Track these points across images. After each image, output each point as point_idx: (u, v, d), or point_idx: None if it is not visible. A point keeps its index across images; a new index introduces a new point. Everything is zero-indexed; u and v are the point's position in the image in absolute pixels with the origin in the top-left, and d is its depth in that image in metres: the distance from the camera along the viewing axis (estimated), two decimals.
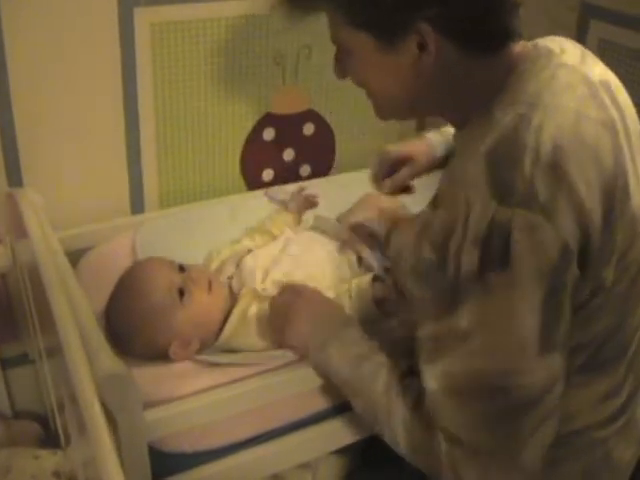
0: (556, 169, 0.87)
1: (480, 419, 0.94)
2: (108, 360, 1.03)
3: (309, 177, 1.87)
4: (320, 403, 1.30)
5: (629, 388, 1.08)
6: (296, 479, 1.43)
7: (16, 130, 1.46)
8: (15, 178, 1.49)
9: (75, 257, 1.48)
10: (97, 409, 0.97)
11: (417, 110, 1.07)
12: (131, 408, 1.05)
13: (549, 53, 0.99)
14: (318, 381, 1.23)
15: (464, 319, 0.90)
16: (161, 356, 1.28)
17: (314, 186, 1.75)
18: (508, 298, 0.88)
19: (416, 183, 1.40)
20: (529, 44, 1.01)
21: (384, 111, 1.09)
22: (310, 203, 1.63)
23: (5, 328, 1.60)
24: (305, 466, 1.42)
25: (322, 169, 1.90)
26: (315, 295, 1.26)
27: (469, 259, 0.87)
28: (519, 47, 0.99)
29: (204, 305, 1.30)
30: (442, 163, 1.34)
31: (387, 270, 1.45)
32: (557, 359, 0.92)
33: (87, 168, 1.57)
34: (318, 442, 1.33)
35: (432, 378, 0.96)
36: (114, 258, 1.50)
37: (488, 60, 0.96)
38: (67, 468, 1.27)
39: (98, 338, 1.08)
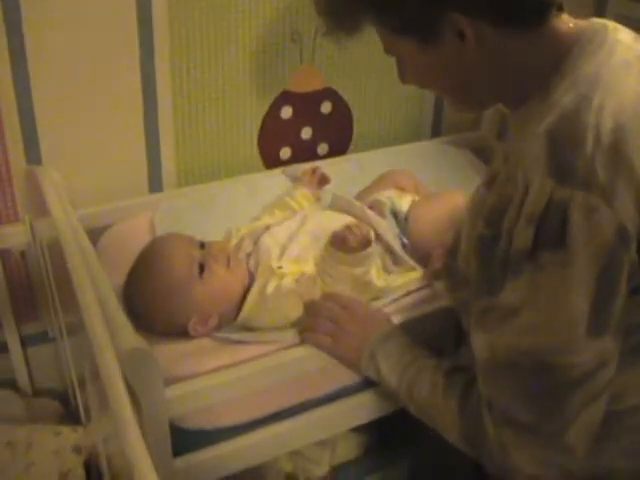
0: (617, 151, 0.88)
1: (525, 394, 0.97)
2: (130, 336, 1.03)
3: (327, 156, 1.87)
4: (339, 380, 1.29)
5: None
6: (315, 456, 1.43)
7: (34, 108, 1.45)
8: (34, 156, 1.49)
9: (94, 235, 1.48)
10: (120, 385, 0.97)
11: (480, 100, 1.08)
12: (153, 384, 1.05)
13: (605, 29, 0.99)
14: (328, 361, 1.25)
15: (514, 295, 0.93)
16: (180, 332, 1.29)
17: (332, 165, 1.77)
18: (561, 277, 0.89)
19: None
20: (583, 20, 1.01)
21: (454, 104, 1.12)
22: (323, 180, 1.63)
23: (25, 306, 1.61)
24: (323, 443, 1.42)
25: (340, 148, 1.89)
26: (359, 306, 1.28)
27: (523, 236, 0.90)
28: (569, 22, 0.99)
29: (223, 280, 1.30)
30: None
31: (404, 246, 1.46)
32: (607, 341, 0.93)
33: (105, 146, 1.57)
34: (337, 419, 1.33)
35: (483, 347, 0.99)
36: (133, 236, 1.50)
37: (532, 37, 0.96)
38: (88, 444, 1.28)
39: (119, 315, 1.09)
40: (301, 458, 1.42)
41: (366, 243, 1.29)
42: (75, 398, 1.53)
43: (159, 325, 1.28)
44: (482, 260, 0.97)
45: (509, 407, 0.98)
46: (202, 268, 1.29)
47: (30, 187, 1.42)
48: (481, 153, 1.92)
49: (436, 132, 2.02)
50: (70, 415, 1.50)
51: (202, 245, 1.34)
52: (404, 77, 1.09)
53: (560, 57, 0.97)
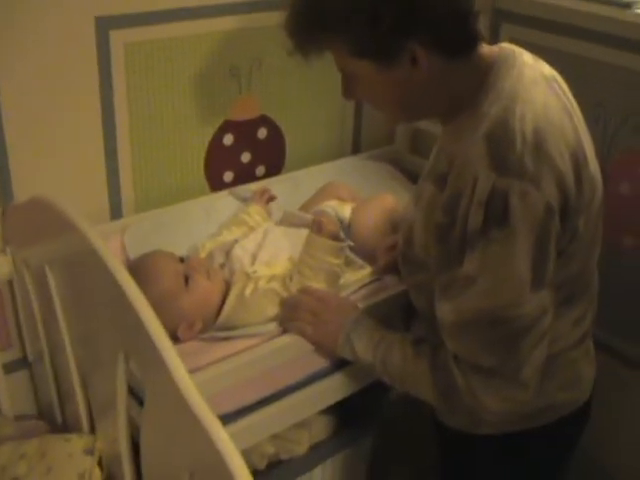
0: (538, 147, 1.12)
1: (487, 344, 1.18)
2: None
3: (264, 176, 2.04)
4: (310, 367, 1.48)
5: (590, 317, 1.36)
6: (295, 437, 1.59)
7: (7, 145, 1.57)
8: (7, 193, 1.61)
9: None
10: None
11: (419, 113, 1.30)
12: None
13: (512, 53, 1.23)
14: (308, 347, 1.43)
15: (472, 266, 1.14)
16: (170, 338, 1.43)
17: (270, 184, 1.94)
18: (507, 248, 1.12)
19: None
20: (495, 46, 1.25)
21: (392, 118, 1.34)
22: (270, 199, 1.82)
23: (1, 336, 1.70)
24: (301, 425, 1.59)
25: (275, 169, 2.07)
26: (332, 298, 1.47)
27: (475, 218, 1.11)
28: (486, 49, 1.22)
29: (206, 289, 1.48)
30: None
31: (350, 248, 1.66)
32: (546, 294, 1.17)
33: (70, 178, 1.69)
34: (310, 402, 1.51)
35: (448, 312, 1.20)
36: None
37: (466, 62, 1.19)
38: (97, 446, 1.40)
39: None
40: (282, 440, 1.58)
41: (338, 228, 1.50)
42: (63, 413, 1.64)
43: None
44: (442, 243, 1.18)
45: (474, 356, 1.20)
46: (186, 279, 1.45)
47: (11, 220, 1.53)
48: (396, 164, 2.17)
49: (356, 149, 2.24)
50: (58, 431, 1.58)
51: (181, 260, 1.50)
52: (350, 93, 1.27)
53: (483, 77, 1.20)
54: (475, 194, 1.11)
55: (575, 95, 1.30)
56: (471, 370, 1.20)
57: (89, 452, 1.37)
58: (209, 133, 1.90)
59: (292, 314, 1.43)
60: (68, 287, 1.38)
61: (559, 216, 1.14)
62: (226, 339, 1.44)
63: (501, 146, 1.13)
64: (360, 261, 1.66)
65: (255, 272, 1.51)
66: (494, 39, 1.94)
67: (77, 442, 1.39)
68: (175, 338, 1.44)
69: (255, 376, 1.40)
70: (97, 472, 1.36)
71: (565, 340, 1.32)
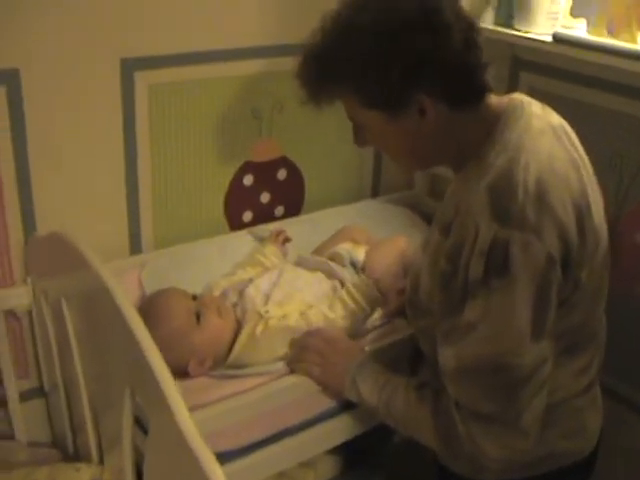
0: (541, 198, 1.14)
1: (487, 391, 1.19)
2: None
3: (283, 217, 2.08)
4: (316, 407, 1.49)
5: (596, 366, 1.36)
6: (301, 476, 1.61)
7: (31, 177, 1.63)
8: (29, 223, 1.66)
9: None
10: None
11: (428, 162, 1.32)
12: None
13: (521, 104, 1.25)
14: (314, 388, 1.45)
15: (473, 314, 1.16)
16: (180, 374, 1.45)
17: (288, 224, 1.98)
18: (507, 297, 1.13)
19: None
20: (504, 97, 1.27)
21: (404, 166, 1.37)
22: (286, 240, 1.85)
23: (20, 364, 1.74)
24: (306, 464, 1.60)
25: (294, 209, 2.11)
26: (339, 341, 1.48)
27: (476, 268, 1.13)
28: (495, 99, 1.24)
29: (217, 326, 1.51)
30: None
31: None
32: (545, 344, 1.17)
33: (92, 212, 1.75)
34: (316, 442, 1.52)
35: (450, 358, 1.21)
36: (126, 292, 1.66)
37: (474, 112, 1.22)
38: (105, 477, 1.42)
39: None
40: (288, 478, 1.59)
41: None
42: (74, 443, 1.67)
43: None
44: (445, 290, 1.20)
45: (474, 403, 1.21)
46: (198, 317, 1.48)
47: (34, 251, 1.57)
48: (415, 208, 2.19)
49: (375, 192, 2.27)
50: (70, 460, 1.62)
51: (194, 297, 1.53)
52: (362, 142, 1.30)
53: (490, 128, 1.22)
54: (477, 244, 1.13)
55: (591, 145, 1.31)
56: (471, 417, 1.21)
57: None
58: (230, 173, 1.94)
59: (300, 355, 1.46)
60: (83, 321, 1.42)
61: (561, 267, 1.15)
62: (235, 377, 1.46)
63: (503, 197, 1.15)
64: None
65: (267, 312, 1.54)
66: (513, 87, 1.97)
67: (86, 472, 1.42)
68: (186, 373, 1.47)
69: (261, 414, 1.43)
70: None
71: (567, 389, 1.32)
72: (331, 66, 1.19)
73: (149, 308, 1.50)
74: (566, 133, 1.28)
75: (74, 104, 1.63)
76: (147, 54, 1.69)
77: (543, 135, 1.22)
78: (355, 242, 1.83)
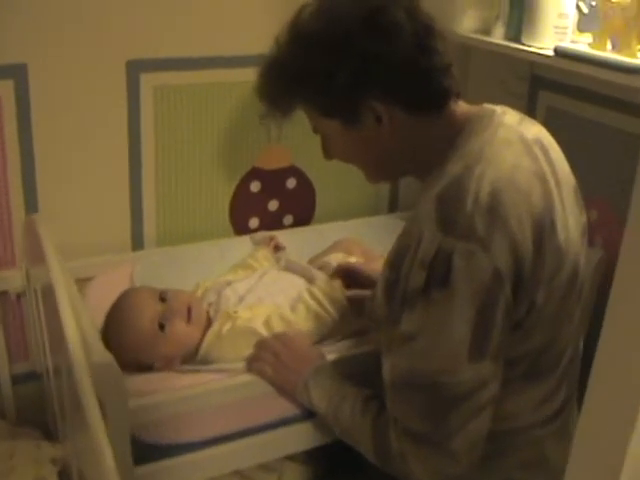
0: (492, 210, 1.08)
1: (420, 409, 1.16)
2: (100, 353, 1.24)
3: (292, 226, 2.09)
4: (284, 408, 1.48)
5: (563, 395, 1.29)
6: None
7: (35, 166, 1.70)
8: (32, 208, 1.73)
9: (81, 284, 1.68)
10: (92, 399, 1.15)
11: (394, 172, 1.31)
12: (117, 394, 1.24)
13: (492, 113, 1.21)
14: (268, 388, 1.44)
15: (410, 325, 1.12)
16: (147, 369, 1.48)
17: (295, 233, 2.00)
18: (445, 311, 1.08)
19: None
20: (475, 106, 1.23)
21: (370, 177, 1.34)
22: (277, 247, 1.86)
23: (17, 346, 1.81)
24: (270, 469, 1.59)
25: (304, 219, 2.11)
26: (298, 344, 1.47)
27: (417, 277, 1.09)
28: (464, 107, 1.21)
29: (182, 333, 1.49)
30: None
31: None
32: (487, 366, 1.12)
33: (95, 208, 1.81)
34: (278, 444, 1.51)
35: (387, 371, 1.19)
36: (116, 285, 1.69)
37: (435, 119, 1.19)
38: (63, 457, 1.46)
39: (95, 341, 1.28)
40: None
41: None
42: (55, 425, 1.72)
43: (129, 365, 1.43)
44: (387, 298, 1.17)
45: (407, 420, 1.18)
46: (163, 325, 1.48)
47: (28, 235, 1.63)
48: None
49: (393, 207, 2.25)
50: (49, 440, 1.67)
51: (163, 299, 1.52)
52: (328, 153, 1.30)
53: (454, 135, 1.18)
54: (419, 252, 1.09)
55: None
56: (404, 434, 1.18)
57: (53, 461, 1.44)
58: (236, 179, 1.97)
59: (256, 354, 1.46)
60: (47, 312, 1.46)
61: (511, 285, 1.09)
62: (196, 371, 1.48)
63: (450, 205, 1.10)
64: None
65: (236, 312, 1.55)
66: (532, 106, 1.94)
67: (46, 450, 1.47)
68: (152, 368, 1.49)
69: (220, 410, 1.43)
70: None
71: (526, 418, 1.26)
72: (282, 77, 1.20)
73: (114, 312, 1.52)
74: (542, 147, 1.22)
75: (80, 102, 1.70)
76: (154, 56, 1.74)
77: (509, 146, 1.16)
78: (349, 253, 1.82)
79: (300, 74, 1.16)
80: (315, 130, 1.28)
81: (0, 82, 1.60)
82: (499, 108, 1.24)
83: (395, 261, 1.15)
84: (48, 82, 1.65)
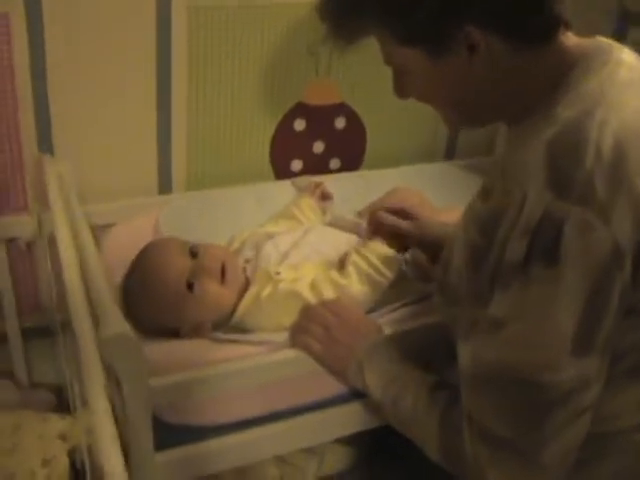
0: (617, 168, 0.87)
1: (505, 410, 0.96)
2: (115, 322, 1.05)
3: (338, 171, 1.90)
4: (329, 388, 1.29)
5: None
6: (302, 464, 1.43)
7: (49, 100, 1.50)
8: (47, 148, 1.54)
9: (99, 232, 1.52)
10: (98, 372, 0.99)
11: (482, 115, 1.07)
12: (136, 371, 1.06)
13: (609, 47, 0.99)
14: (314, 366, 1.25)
15: (502, 308, 0.93)
16: (173, 335, 1.31)
17: (341, 179, 1.80)
18: (550, 293, 0.88)
19: None
20: (587, 38, 1.01)
21: (452, 121, 1.12)
22: (324, 197, 1.65)
23: (28, 298, 1.63)
24: (311, 452, 1.43)
25: (352, 164, 1.91)
26: (352, 315, 1.28)
27: (516, 248, 0.89)
28: (574, 39, 0.99)
29: (215, 294, 1.31)
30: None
31: (406, 262, 1.46)
32: (593, 361, 0.92)
33: (117, 144, 1.62)
34: (325, 427, 1.33)
35: (467, 359, 1.00)
36: (138, 235, 1.52)
37: (540, 52, 0.97)
38: (74, 433, 1.30)
39: (108, 304, 1.10)
40: (287, 465, 1.42)
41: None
42: (71, 391, 1.54)
43: (151, 328, 1.30)
44: (473, 269, 0.97)
45: (487, 421, 0.98)
46: (191, 284, 1.29)
47: (38, 177, 1.45)
48: None
49: (449, 154, 2.04)
50: (63, 408, 1.51)
51: (194, 254, 1.33)
52: (403, 90, 1.08)
53: (564, 72, 0.97)
54: (522, 216, 0.89)
55: None
56: (481, 436, 0.99)
57: (62, 437, 1.27)
58: (278, 115, 1.77)
59: (303, 326, 1.25)
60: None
61: (632, 264, 0.89)
62: (232, 341, 1.29)
63: (566, 158, 0.89)
64: (414, 275, 1.45)
65: (278, 273, 1.34)
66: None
67: (54, 424, 1.31)
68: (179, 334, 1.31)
69: (257, 388, 1.24)
70: (64, 460, 1.26)
71: (627, 419, 1.05)
72: None
73: (138, 265, 1.34)
74: None
75: (100, 23, 1.49)
76: None
77: (632, 87, 0.95)
78: (406, 204, 1.59)
79: None
80: (388, 61, 1.05)
81: None
82: (615, 43, 1.02)
83: (487, 224, 0.94)
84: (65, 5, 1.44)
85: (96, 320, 1.07)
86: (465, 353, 1.00)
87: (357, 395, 1.29)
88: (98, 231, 1.51)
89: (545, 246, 0.87)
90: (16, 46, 1.43)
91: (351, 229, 1.51)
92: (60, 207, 1.22)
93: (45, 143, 1.53)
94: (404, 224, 1.39)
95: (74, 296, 1.07)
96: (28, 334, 1.66)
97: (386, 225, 1.40)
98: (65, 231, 1.19)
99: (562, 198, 0.87)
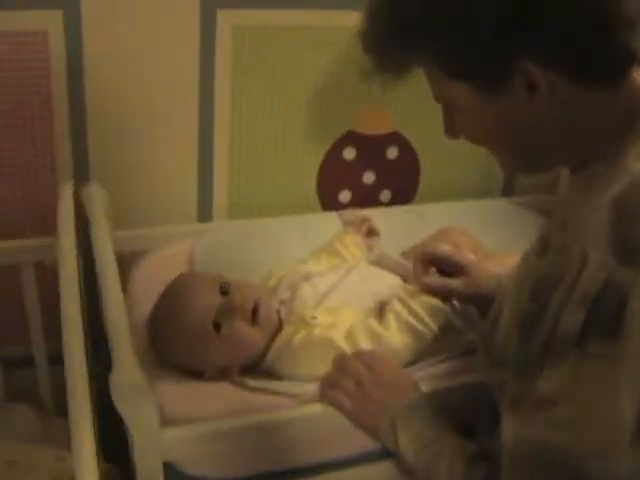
0: None
1: None
2: (128, 370, 1.00)
3: (389, 203, 1.84)
4: (355, 444, 1.22)
5: None
6: None
7: (87, 126, 1.48)
8: (83, 174, 1.51)
9: (134, 258, 1.49)
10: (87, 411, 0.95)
11: (541, 160, 0.98)
12: (147, 424, 1.01)
13: None
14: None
15: (552, 385, 0.84)
16: (198, 376, 1.24)
17: (392, 213, 1.72)
18: (609, 372, 0.79)
19: None
20: None
21: (508, 164, 1.02)
22: (371, 232, 1.56)
23: (55, 323, 1.58)
24: None
25: (404, 196, 1.85)
26: (387, 369, 1.17)
27: (572, 319, 0.80)
28: None
29: (244, 335, 1.25)
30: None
31: (453, 310, 1.36)
32: None
33: (157, 170, 1.59)
34: None
35: (509, 434, 0.90)
36: (171, 264, 1.48)
37: (610, 92, 0.87)
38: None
39: (125, 348, 1.05)
40: None
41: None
42: None
43: (175, 364, 1.26)
44: (523, 338, 0.88)
45: None
46: (218, 324, 1.23)
47: (68, 202, 1.40)
48: None
49: (508, 191, 1.96)
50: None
51: (225, 291, 1.26)
52: (453, 129, 0.98)
53: (635, 117, 0.87)
54: (580, 282, 0.80)
55: None
56: None
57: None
58: (327, 142, 1.72)
59: (334, 379, 1.16)
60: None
61: None
62: (254, 390, 1.21)
63: (635, 220, 0.80)
64: (459, 323, 1.35)
65: (314, 318, 1.26)
66: None
67: (68, 464, 1.23)
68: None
69: (278, 443, 1.17)
70: None
71: None
72: (400, 23, 0.88)
73: (167, 298, 1.29)
74: None
75: (142, 41, 1.48)
76: None
77: None
78: (457, 247, 1.49)
79: (430, 20, 0.85)
80: (438, 98, 0.96)
81: (46, 12, 1.37)
82: None
83: (541, 287, 0.85)
84: (104, 14, 1.40)
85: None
86: (508, 427, 0.90)
87: (387, 454, 1.20)
88: (133, 257, 1.48)
89: (606, 318, 0.78)
90: (53, 66, 1.41)
91: (395, 269, 1.43)
92: (69, 234, 1.20)
93: (81, 165, 1.51)
94: (454, 284, 1.29)
95: (69, 327, 1.07)
96: (55, 360, 1.61)
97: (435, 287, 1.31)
98: (71, 259, 1.17)
99: (628, 265, 0.77)
